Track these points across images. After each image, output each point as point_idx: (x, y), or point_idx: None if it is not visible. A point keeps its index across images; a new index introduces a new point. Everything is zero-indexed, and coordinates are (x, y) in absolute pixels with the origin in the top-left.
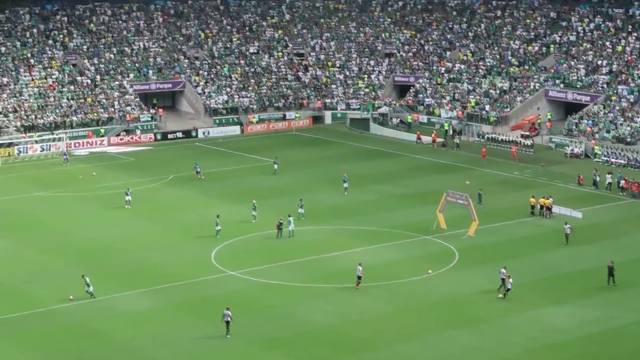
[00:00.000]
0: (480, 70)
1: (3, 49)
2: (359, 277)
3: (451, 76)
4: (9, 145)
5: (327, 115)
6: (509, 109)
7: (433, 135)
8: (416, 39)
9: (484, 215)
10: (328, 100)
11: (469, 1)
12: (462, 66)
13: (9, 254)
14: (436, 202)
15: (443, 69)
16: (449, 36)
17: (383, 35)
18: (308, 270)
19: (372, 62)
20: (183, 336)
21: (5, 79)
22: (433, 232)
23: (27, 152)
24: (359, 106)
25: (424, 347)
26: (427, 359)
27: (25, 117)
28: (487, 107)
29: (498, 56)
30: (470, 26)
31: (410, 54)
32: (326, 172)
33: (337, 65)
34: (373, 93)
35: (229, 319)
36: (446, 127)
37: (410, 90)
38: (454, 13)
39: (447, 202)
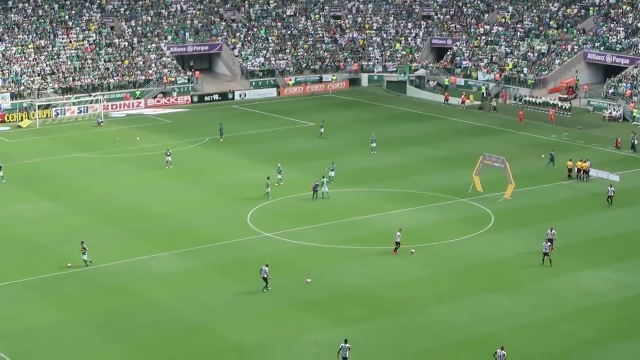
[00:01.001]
0: (518, 33)
1: (41, 11)
2: (397, 243)
3: (489, 39)
4: (47, 107)
5: (364, 78)
6: (547, 72)
7: (462, 96)
8: (454, 1)
9: (521, 178)
10: (365, 63)
11: None
12: (500, 29)
13: (47, 215)
14: (472, 165)
15: (481, 31)
16: None
17: None
18: (344, 233)
19: (409, 25)
20: (218, 297)
21: (43, 42)
22: (469, 195)
23: (64, 114)
24: (395, 69)
25: (460, 309)
26: (462, 321)
27: (63, 80)
28: (525, 70)
29: (537, 18)
30: None
31: (448, 16)
32: (362, 134)
33: (374, 27)
34: (410, 55)
35: (266, 275)
36: (483, 90)
37: (448, 53)
38: None
39: (484, 164)
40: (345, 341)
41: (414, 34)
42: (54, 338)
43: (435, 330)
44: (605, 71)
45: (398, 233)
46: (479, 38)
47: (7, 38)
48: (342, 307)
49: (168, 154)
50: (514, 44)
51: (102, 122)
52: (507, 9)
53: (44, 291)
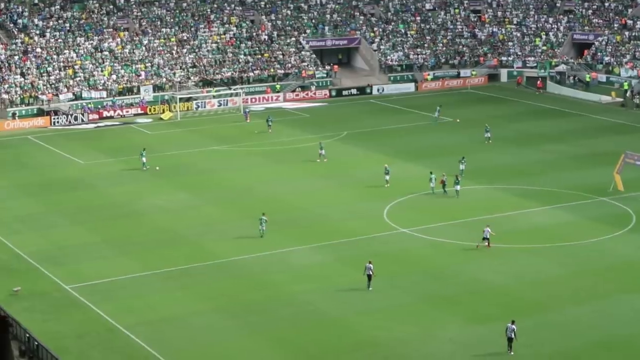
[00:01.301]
0: None
1: (184, 4)
2: (485, 239)
3: (632, 34)
4: (188, 99)
5: (503, 73)
6: None
7: (518, 78)
8: None
9: None
10: (504, 58)
11: None
12: None
13: (186, 206)
14: (613, 163)
15: (624, 25)
16: None
17: None
18: (481, 230)
19: (550, 20)
20: (353, 292)
21: (185, 35)
22: (609, 194)
23: (205, 107)
24: (535, 64)
25: (597, 310)
26: (599, 322)
27: (204, 73)
28: None
29: None
30: None
31: (590, 11)
32: (500, 131)
33: (515, 22)
34: (551, 51)
35: (370, 273)
36: (626, 87)
37: (589, 49)
38: None
39: (625, 163)
40: (512, 322)
41: (554, 29)
42: (192, 328)
43: (571, 330)
44: None
45: (487, 229)
46: (622, 33)
47: (150, 31)
48: (477, 305)
49: (320, 147)
50: None
51: (248, 112)
52: None
53: (183, 281)
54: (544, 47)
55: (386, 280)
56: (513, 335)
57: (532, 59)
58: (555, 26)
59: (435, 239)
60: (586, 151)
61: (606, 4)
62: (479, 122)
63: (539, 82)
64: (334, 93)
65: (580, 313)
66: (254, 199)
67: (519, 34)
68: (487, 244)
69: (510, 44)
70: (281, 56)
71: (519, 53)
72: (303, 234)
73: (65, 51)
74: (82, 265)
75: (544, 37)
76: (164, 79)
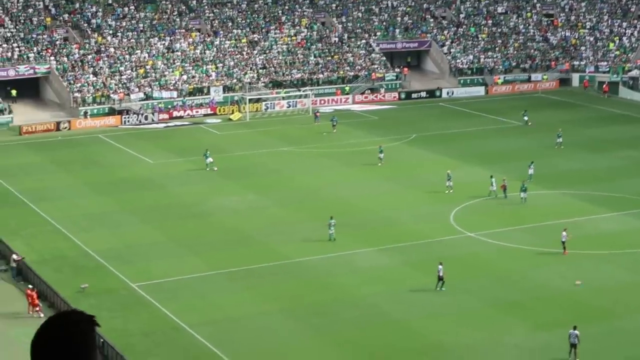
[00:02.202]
0: None
1: (256, 6)
2: (563, 243)
3: None
4: (257, 100)
5: (575, 78)
6: None
7: (604, 86)
8: None
9: None
10: (576, 63)
11: None
12: None
13: (254, 207)
14: None
15: None
16: None
17: None
18: (549, 235)
19: (624, 24)
20: (419, 295)
21: (256, 36)
22: None
23: (274, 108)
24: (608, 69)
25: None
26: None
27: (274, 74)
28: None
29: None
30: None
31: None
32: (570, 135)
33: (587, 26)
34: (624, 56)
35: (441, 274)
36: None
37: None
38: None
39: None
40: (575, 327)
41: (628, 34)
42: (257, 328)
43: (639, 338)
44: None
45: (564, 233)
46: None
47: (221, 32)
48: (544, 311)
49: (380, 150)
50: None
51: (319, 117)
52: None
53: (249, 281)
54: (617, 52)
55: (453, 284)
56: (577, 341)
57: (605, 63)
58: (629, 31)
59: (502, 243)
60: None
61: None
62: (550, 127)
63: (605, 85)
64: (403, 95)
65: None
66: (321, 201)
67: (591, 39)
68: (563, 249)
69: (583, 48)
70: (351, 58)
71: (592, 58)
72: (370, 237)
73: (137, 51)
74: (149, 264)
75: (617, 41)
76: (234, 80)
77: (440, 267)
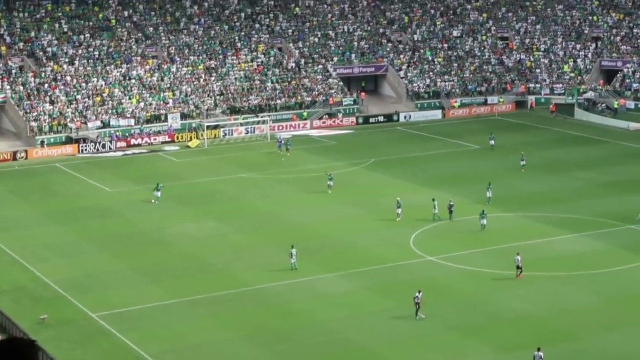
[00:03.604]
0: None
1: (212, 32)
2: (518, 267)
3: None
4: (215, 127)
5: (530, 100)
6: None
7: (551, 106)
8: (624, 22)
9: None
10: (532, 85)
11: None
12: None
13: (213, 234)
14: None
15: None
16: None
17: (590, 19)
18: (508, 257)
19: (577, 46)
20: (382, 320)
21: (213, 62)
22: (638, 222)
23: (232, 135)
24: (563, 91)
25: (628, 339)
26: (630, 350)
27: (231, 100)
28: None
29: None
30: None
31: (618, 37)
32: (529, 157)
33: (542, 49)
34: (578, 78)
35: (418, 301)
36: None
37: (618, 75)
38: None
39: None
40: (539, 349)
41: (582, 56)
42: (220, 355)
43: (601, 359)
44: None
45: (518, 257)
46: None
47: (178, 59)
48: (507, 334)
49: (329, 178)
50: None
51: (282, 144)
52: None
53: (211, 309)
54: (572, 74)
55: (414, 309)
56: None
57: (560, 85)
58: (583, 53)
59: (462, 266)
60: (614, 178)
61: (634, 31)
62: (508, 149)
63: (551, 106)
64: (361, 120)
65: (611, 341)
66: (281, 227)
67: (546, 61)
68: (519, 273)
69: (538, 70)
70: (308, 83)
71: (547, 80)
72: (331, 262)
73: (94, 79)
74: (109, 293)
75: (571, 63)
76: (192, 107)
77: (418, 295)
